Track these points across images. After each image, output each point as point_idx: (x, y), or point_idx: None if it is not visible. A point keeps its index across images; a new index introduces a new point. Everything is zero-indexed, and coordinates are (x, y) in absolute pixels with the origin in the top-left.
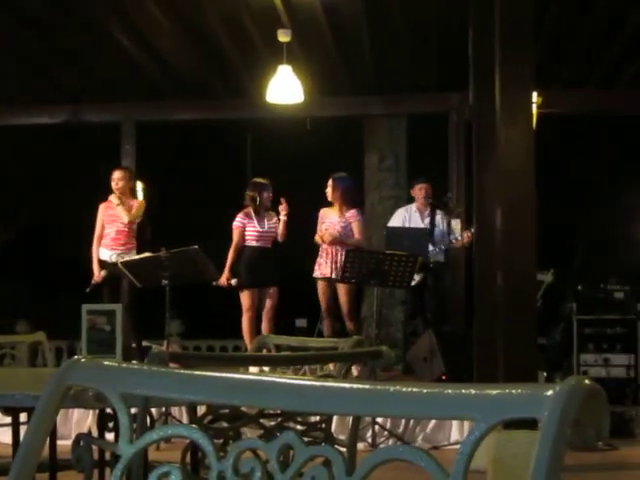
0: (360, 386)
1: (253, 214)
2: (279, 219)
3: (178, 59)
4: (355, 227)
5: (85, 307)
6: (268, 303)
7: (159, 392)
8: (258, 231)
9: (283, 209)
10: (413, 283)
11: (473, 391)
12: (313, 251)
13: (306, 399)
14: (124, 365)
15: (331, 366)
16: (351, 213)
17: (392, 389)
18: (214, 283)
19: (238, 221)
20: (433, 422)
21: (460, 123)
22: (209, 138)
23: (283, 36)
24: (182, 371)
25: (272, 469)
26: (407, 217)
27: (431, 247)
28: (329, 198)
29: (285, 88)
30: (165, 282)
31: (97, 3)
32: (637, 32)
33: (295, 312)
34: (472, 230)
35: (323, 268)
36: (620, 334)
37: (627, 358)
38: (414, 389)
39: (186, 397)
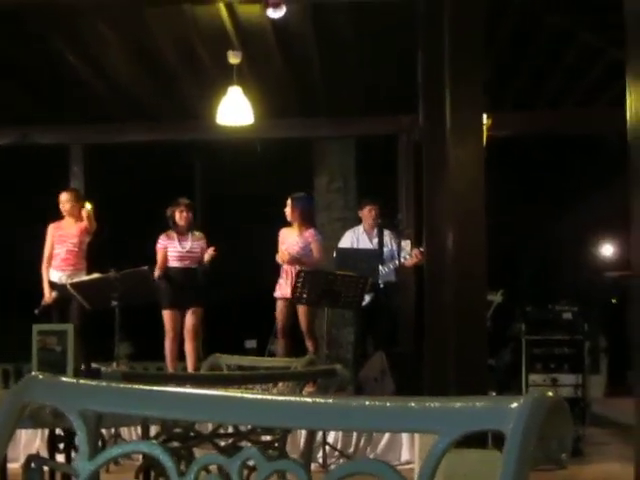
0: (324, 401)
1: (175, 235)
2: (205, 246)
3: (128, 80)
4: (314, 247)
5: (36, 327)
6: (189, 323)
7: (119, 409)
8: (179, 252)
9: (208, 255)
10: (363, 304)
11: (437, 404)
12: (263, 271)
13: (270, 414)
14: (83, 381)
15: (281, 386)
16: (309, 233)
17: (355, 403)
18: None
19: (160, 243)
20: (384, 441)
21: (410, 144)
22: (159, 160)
23: (233, 58)
24: (142, 387)
25: None
26: (355, 238)
27: (381, 268)
28: (288, 218)
29: (235, 109)
30: (114, 303)
31: (47, 24)
32: (584, 52)
33: (244, 333)
34: (421, 249)
35: (283, 288)
36: (568, 354)
37: (575, 378)
38: (378, 403)
39: (146, 413)
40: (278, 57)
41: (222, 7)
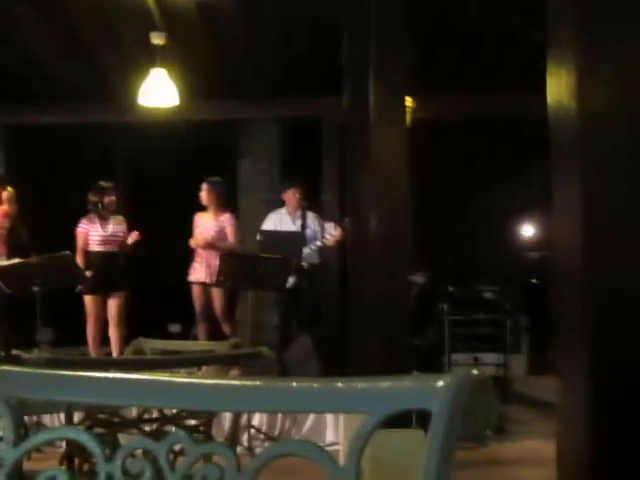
0: (251, 383)
1: (97, 218)
2: (126, 230)
3: (49, 61)
4: (229, 231)
5: None
6: (112, 308)
7: (44, 394)
8: (102, 235)
9: (132, 238)
10: (287, 286)
11: (364, 384)
12: (186, 256)
13: (196, 397)
14: (6, 368)
15: (206, 369)
16: (225, 217)
17: (283, 384)
18: (77, 289)
19: (81, 226)
20: (309, 424)
21: (334, 127)
22: (81, 141)
23: (156, 38)
24: (68, 372)
25: (162, 468)
26: (278, 221)
27: (304, 249)
28: (203, 202)
29: (159, 91)
30: (36, 288)
31: None
32: (509, 36)
33: (168, 317)
34: (345, 223)
35: (198, 272)
36: (490, 333)
37: (497, 357)
38: (305, 384)
39: (72, 398)
40: (203, 38)
41: None
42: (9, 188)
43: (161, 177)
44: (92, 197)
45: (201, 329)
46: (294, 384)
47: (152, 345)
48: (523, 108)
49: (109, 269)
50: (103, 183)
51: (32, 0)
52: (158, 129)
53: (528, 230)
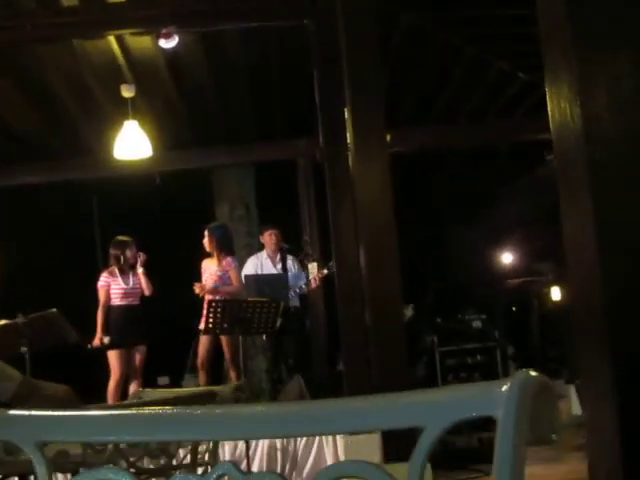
0: (304, 405)
1: (117, 272)
2: (139, 273)
3: (18, 120)
4: (232, 275)
5: None
6: (137, 362)
7: (77, 437)
8: (123, 289)
9: (140, 263)
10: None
11: (422, 395)
12: (170, 306)
13: (233, 426)
14: (37, 412)
15: None
16: (227, 261)
17: (341, 403)
18: (89, 346)
19: (103, 280)
20: (308, 467)
21: (308, 167)
22: (57, 201)
23: (127, 91)
24: (107, 412)
25: None
26: (259, 264)
27: (290, 292)
28: (207, 249)
29: (132, 144)
30: (24, 349)
31: None
32: (474, 67)
33: (156, 369)
34: (325, 270)
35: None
36: (481, 362)
37: None
38: (364, 401)
39: (111, 438)
40: (172, 88)
41: (113, 40)
42: None
43: (139, 231)
44: (113, 251)
45: (201, 378)
46: (355, 402)
47: (151, 395)
48: (490, 136)
49: (133, 322)
50: (123, 237)
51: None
52: (133, 181)
53: (505, 257)
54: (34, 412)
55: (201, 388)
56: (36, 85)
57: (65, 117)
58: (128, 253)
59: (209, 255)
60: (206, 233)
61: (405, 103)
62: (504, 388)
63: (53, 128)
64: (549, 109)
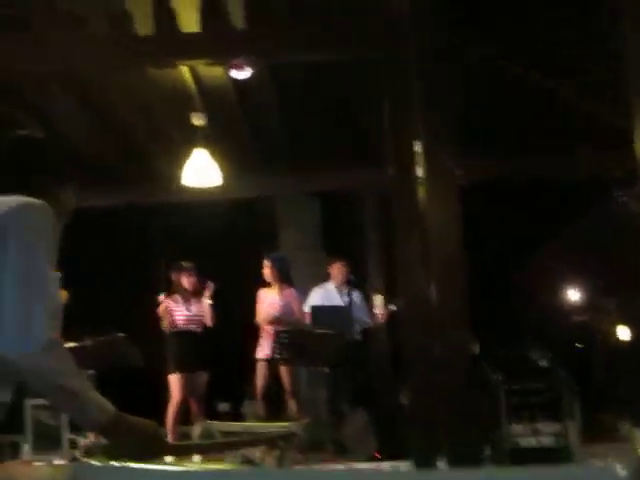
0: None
1: (180, 298)
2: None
3: (91, 148)
4: (295, 306)
5: (29, 401)
6: (199, 389)
7: None
8: (186, 315)
9: (207, 292)
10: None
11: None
12: (234, 334)
13: None
14: (136, 466)
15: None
16: (289, 292)
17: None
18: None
19: (165, 302)
20: None
21: (374, 198)
22: (125, 224)
23: (197, 119)
24: (196, 470)
25: None
26: (326, 296)
27: (356, 325)
28: (267, 278)
29: (201, 171)
30: (90, 372)
31: (6, 98)
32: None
33: (216, 395)
34: (392, 306)
35: (265, 348)
36: (546, 402)
37: (554, 426)
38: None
39: None
40: (240, 116)
41: (185, 70)
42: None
43: (203, 256)
44: (174, 277)
45: (260, 407)
46: (455, 473)
47: (219, 428)
48: (563, 170)
49: (195, 349)
50: (183, 263)
51: (72, 87)
52: (198, 208)
53: (571, 294)
54: (132, 465)
55: (276, 425)
56: (108, 110)
57: (135, 144)
58: (186, 279)
59: (266, 284)
60: (267, 263)
61: (473, 134)
62: (624, 473)
63: (125, 154)
64: (637, 151)
